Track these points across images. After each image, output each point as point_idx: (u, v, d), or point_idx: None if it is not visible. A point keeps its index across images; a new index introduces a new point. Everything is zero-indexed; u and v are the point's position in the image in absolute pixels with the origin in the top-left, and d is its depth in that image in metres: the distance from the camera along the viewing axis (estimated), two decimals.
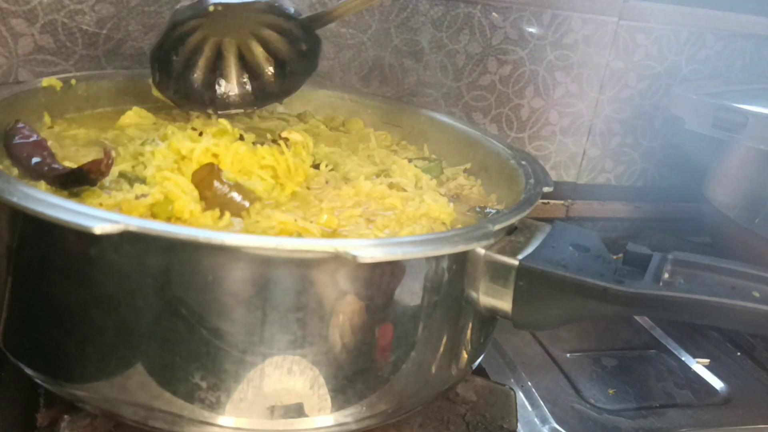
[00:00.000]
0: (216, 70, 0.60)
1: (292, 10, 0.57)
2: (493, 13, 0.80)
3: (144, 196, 0.41)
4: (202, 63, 0.58)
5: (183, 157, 0.46)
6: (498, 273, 0.42)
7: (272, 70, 0.61)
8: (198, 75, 0.59)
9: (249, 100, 0.61)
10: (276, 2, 0.56)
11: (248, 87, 0.61)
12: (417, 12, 0.77)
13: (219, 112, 0.59)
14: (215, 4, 0.54)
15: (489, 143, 0.60)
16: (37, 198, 0.34)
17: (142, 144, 0.49)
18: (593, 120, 0.90)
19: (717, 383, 0.63)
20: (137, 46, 0.70)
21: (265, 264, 0.36)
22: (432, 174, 0.57)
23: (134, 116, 0.57)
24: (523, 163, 0.55)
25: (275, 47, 0.60)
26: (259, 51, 0.60)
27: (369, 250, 0.34)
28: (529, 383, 0.58)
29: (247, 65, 0.60)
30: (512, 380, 0.58)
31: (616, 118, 0.91)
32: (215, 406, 0.38)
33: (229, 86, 0.60)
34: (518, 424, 0.50)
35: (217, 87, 0.60)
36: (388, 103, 0.68)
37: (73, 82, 0.56)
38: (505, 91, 0.84)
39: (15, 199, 0.34)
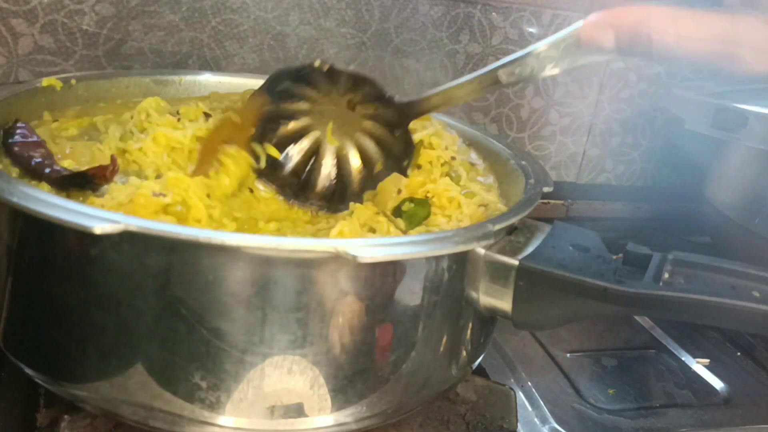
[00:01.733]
0: (308, 163, 0.55)
1: (388, 94, 0.53)
2: (493, 13, 0.80)
3: (162, 195, 0.40)
4: (296, 151, 0.54)
5: (173, 148, 0.45)
6: (498, 273, 0.42)
7: (360, 180, 0.54)
8: (288, 159, 0.54)
9: (320, 202, 0.54)
10: (376, 87, 0.53)
11: (330, 190, 0.54)
12: (417, 12, 0.77)
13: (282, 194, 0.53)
14: (321, 62, 0.52)
15: (489, 143, 0.60)
16: (37, 198, 0.34)
17: (122, 139, 0.47)
18: (593, 120, 0.90)
19: (717, 383, 0.63)
20: (137, 46, 0.70)
21: (265, 264, 0.36)
22: (414, 222, 0.49)
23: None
24: (523, 163, 0.55)
25: (370, 156, 0.55)
26: (355, 159, 0.55)
27: (369, 250, 0.34)
28: (529, 383, 0.58)
29: (339, 170, 0.55)
30: (512, 380, 0.58)
31: (616, 118, 0.91)
32: (215, 406, 0.38)
33: (314, 182, 0.54)
34: (518, 424, 0.50)
35: (302, 177, 0.54)
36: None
37: (73, 82, 0.56)
38: (505, 91, 0.84)
39: (15, 199, 0.34)
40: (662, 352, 0.67)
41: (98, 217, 0.33)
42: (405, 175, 0.52)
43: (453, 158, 0.54)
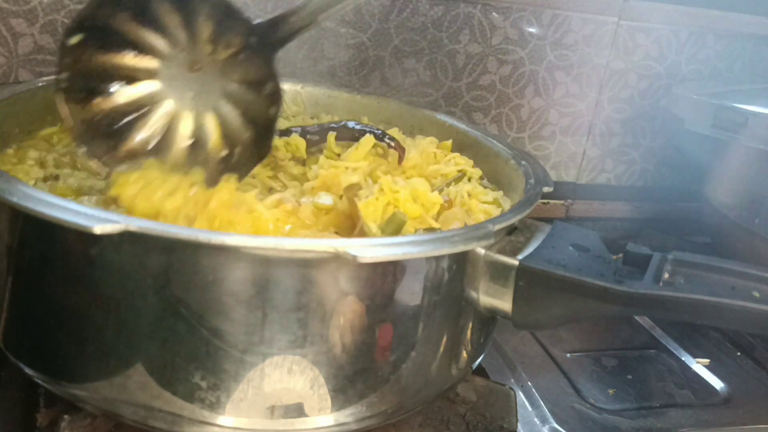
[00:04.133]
0: (156, 133, 0.45)
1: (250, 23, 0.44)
2: (493, 13, 0.80)
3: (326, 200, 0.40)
4: (143, 126, 0.44)
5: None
6: (498, 273, 0.42)
7: (218, 159, 0.47)
8: (130, 136, 0.44)
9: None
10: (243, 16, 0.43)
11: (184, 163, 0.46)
12: (417, 12, 0.77)
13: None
14: None
15: (489, 143, 0.60)
16: (37, 198, 0.34)
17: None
18: (593, 120, 0.90)
19: (717, 383, 0.63)
20: None
21: (265, 264, 0.36)
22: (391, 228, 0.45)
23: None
24: (523, 163, 0.55)
25: (233, 133, 0.46)
26: (214, 136, 0.46)
27: (369, 250, 0.34)
28: (529, 383, 0.58)
29: (196, 145, 0.46)
30: (512, 380, 0.58)
31: (616, 118, 0.91)
32: (215, 406, 0.38)
33: (165, 151, 0.46)
34: (518, 424, 0.50)
35: (148, 148, 0.45)
36: (388, 103, 0.68)
37: None
38: (505, 91, 0.84)
39: (15, 199, 0.34)
40: (662, 352, 0.67)
41: (98, 217, 0.33)
42: (268, 148, 0.46)
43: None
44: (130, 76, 0.43)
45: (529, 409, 0.55)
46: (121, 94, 0.43)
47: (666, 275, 0.42)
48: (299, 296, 0.36)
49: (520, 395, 0.56)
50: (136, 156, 0.44)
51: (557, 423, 0.54)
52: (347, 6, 0.44)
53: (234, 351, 0.37)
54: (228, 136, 0.46)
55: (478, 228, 0.40)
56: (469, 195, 0.52)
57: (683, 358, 0.66)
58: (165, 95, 0.44)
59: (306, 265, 0.36)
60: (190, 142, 0.45)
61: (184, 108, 0.44)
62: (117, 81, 0.43)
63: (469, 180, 0.57)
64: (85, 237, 0.35)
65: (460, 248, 0.39)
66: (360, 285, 0.38)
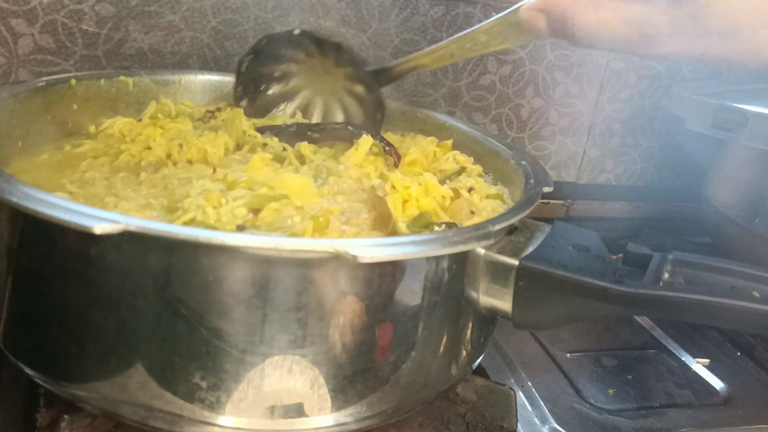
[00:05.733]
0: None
1: (365, 63, 0.63)
2: (493, 13, 0.79)
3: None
4: (289, 110, 0.63)
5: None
6: (498, 273, 0.42)
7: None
8: (282, 116, 0.63)
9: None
10: (354, 54, 0.63)
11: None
12: (417, 12, 0.77)
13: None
14: (306, 37, 0.61)
15: (489, 143, 0.60)
16: (37, 198, 0.34)
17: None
18: (593, 120, 0.90)
19: (717, 383, 0.63)
20: (137, 46, 0.70)
21: (265, 264, 0.36)
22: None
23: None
24: (523, 163, 0.55)
25: (352, 117, 0.64)
26: (339, 118, 0.64)
27: (369, 250, 0.34)
28: (529, 383, 0.58)
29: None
30: (512, 380, 0.58)
31: (616, 118, 0.91)
32: (215, 406, 0.38)
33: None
34: (518, 424, 0.50)
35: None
36: (388, 103, 0.68)
37: (73, 82, 0.56)
38: (505, 91, 0.84)
39: (15, 199, 0.34)
40: (662, 352, 0.67)
41: (98, 217, 0.33)
42: (379, 127, 0.63)
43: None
44: (282, 78, 0.63)
45: (529, 409, 0.55)
46: (278, 87, 0.63)
47: (666, 275, 0.42)
48: (299, 296, 0.36)
49: (520, 395, 0.56)
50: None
51: (557, 423, 0.54)
52: (427, 69, 0.62)
53: (234, 351, 0.37)
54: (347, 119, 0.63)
55: (478, 228, 0.40)
56: (472, 189, 0.52)
57: (683, 358, 0.66)
58: (302, 87, 0.64)
59: (306, 265, 0.36)
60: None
61: (315, 94, 0.64)
62: (273, 81, 0.63)
63: (469, 175, 0.57)
64: (85, 237, 0.35)
65: (460, 248, 0.39)
66: (360, 285, 0.38)
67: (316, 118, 0.63)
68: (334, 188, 0.49)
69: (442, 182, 0.52)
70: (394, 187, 0.48)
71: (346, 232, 0.43)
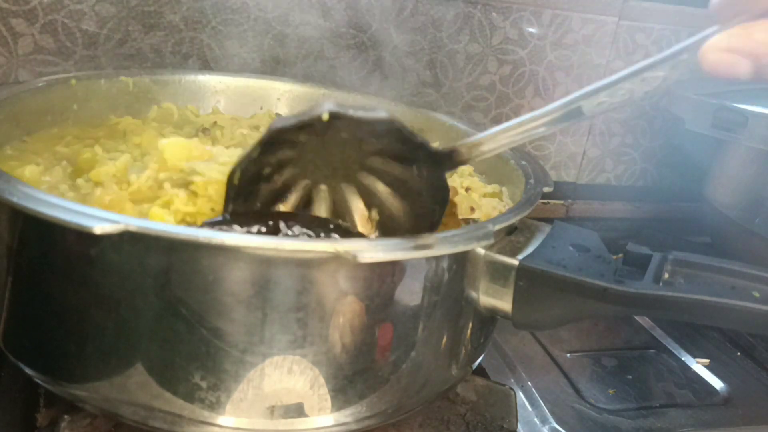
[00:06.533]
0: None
1: (419, 139, 0.42)
2: (493, 13, 0.80)
3: None
4: (291, 202, 0.45)
5: None
6: (498, 273, 0.42)
7: (372, 229, 0.45)
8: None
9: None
10: (402, 124, 0.41)
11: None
12: (417, 12, 0.77)
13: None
14: (330, 112, 0.39)
15: None
16: (37, 198, 0.34)
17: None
18: (593, 120, 0.90)
19: (717, 383, 0.63)
20: (137, 46, 0.70)
21: (265, 264, 0.36)
22: None
23: None
24: (523, 163, 0.55)
25: (380, 199, 0.45)
26: (357, 204, 0.45)
27: (369, 250, 0.34)
28: (529, 383, 0.58)
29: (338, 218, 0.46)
30: (512, 380, 0.58)
31: (616, 118, 0.91)
32: (215, 406, 0.38)
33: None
34: (518, 424, 0.50)
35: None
36: (388, 103, 0.68)
37: (73, 82, 0.56)
38: (505, 91, 0.84)
39: (15, 199, 0.34)
40: (662, 352, 0.67)
41: (98, 217, 0.33)
42: (437, 222, 0.44)
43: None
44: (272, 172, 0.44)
45: (529, 409, 0.55)
46: (266, 188, 0.44)
47: (666, 275, 0.42)
48: (299, 296, 0.36)
49: (520, 395, 0.56)
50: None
51: (557, 423, 0.54)
52: (497, 151, 0.42)
53: (234, 351, 0.37)
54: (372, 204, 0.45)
55: (478, 228, 0.40)
56: (469, 189, 0.52)
57: (683, 358, 0.66)
58: (299, 177, 0.45)
59: (306, 265, 0.36)
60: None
61: (318, 182, 0.45)
62: (262, 181, 0.44)
63: (461, 176, 0.57)
64: (85, 237, 0.35)
65: (460, 248, 0.39)
66: (360, 285, 0.38)
67: (321, 212, 0.45)
68: None
69: None
70: None
71: None
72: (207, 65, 0.73)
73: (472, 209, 0.47)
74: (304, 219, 0.42)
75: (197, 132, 0.57)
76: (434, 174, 0.43)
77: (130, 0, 0.68)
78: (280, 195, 0.44)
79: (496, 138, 0.42)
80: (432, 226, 0.44)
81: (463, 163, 0.43)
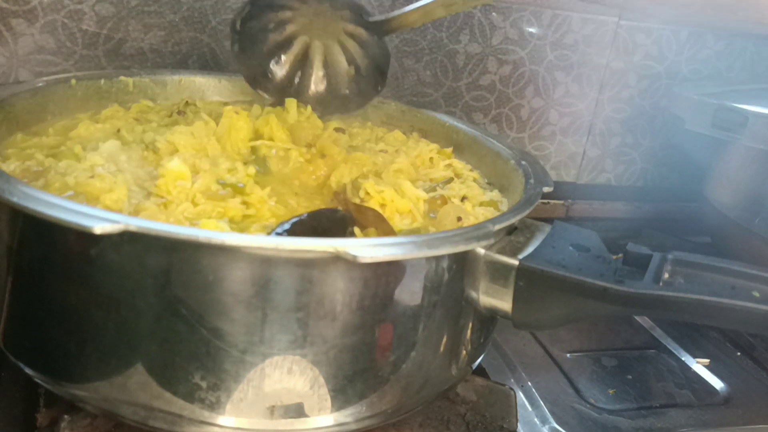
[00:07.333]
0: (299, 68, 0.61)
1: (367, 12, 0.62)
2: (493, 13, 0.80)
3: None
4: (287, 58, 0.60)
5: None
6: (498, 273, 0.42)
7: (348, 83, 0.62)
8: (280, 67, 0.60)
9: (319, 105, 0.61)
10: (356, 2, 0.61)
11: (323, 93, 0.62)
12: None
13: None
14: None
15: (489, 143, 0.60)
16: (37, 198, 0.34)
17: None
18: (593, 120, 0.90)
19: (717, 383, 0.63)
20: (137, 46, 0.70)
21: (265, 264, 0.36)
22: None
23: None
24: (523, 163, 0.55)
25: (355, 58, 0.62)
26: (341, 60, 0.61)
27: (369, 250, 0.34)
28: (529, 383, 0.58)
29: (328, 72, 0.62)
30: (512, 380, 0.58)
31: (616, 118, 0.91)
32: (215, 406, 0.38)
33: (307, 86, 0.61)
34: (518, 424, 0.50)
35: (294, 82, 0.61)
36: (388, 103, 0.68)
37: (73, 82, 0.56)
38: (505, 91, 0.84)
39: (15, 199, 0.34)
40: (662, 352, 0.67)
41: (98, 217, 0.33)
42: (383, 85, 0.63)
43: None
44: (276, 27, 0.61)
45: (529, 409, 0.55)
46: (273, 37, 0.61)
47: (666, 275, 0.42)
48: (299, 296, 0.36)
49: (520, 395, 0.56)
50: (286, 89, 0.61)
51: (557, 423, 0.54)
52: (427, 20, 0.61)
53: (234, 351, 0.37)
54: (350, 61, 0.62)
55: (478, 228, 0.40)
56: (465, 198, 0.52)
57: (683, 358, 0.66)
58: (299, 33, 0.61)
59: (306, 265, 0.36)
60: (322, 72, 0.62)
61: (313, 38, 0.61)
62: (269, 33, 0.60)
63: (463, 182, 0.56)
64: (85, 237, 0.35)
65: (460, 248, 0.39)
66: (360, 285, 0.38)
67: (317, 63, 0.61)
68: None
69: (431, 190, 0.52)
70: (368, 193, 0.48)
71: None
72: (207, 65, 0.73)
73: (459, 219, 0.48)
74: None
75: (172, 114, 0.57)
76: (380, 41, 0.63)
77: (130, 0, 0.68)
78: (284, 46, 0.60)
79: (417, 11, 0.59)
80: (376, 86, 0.63)
81: (391, 30, 0.62)
